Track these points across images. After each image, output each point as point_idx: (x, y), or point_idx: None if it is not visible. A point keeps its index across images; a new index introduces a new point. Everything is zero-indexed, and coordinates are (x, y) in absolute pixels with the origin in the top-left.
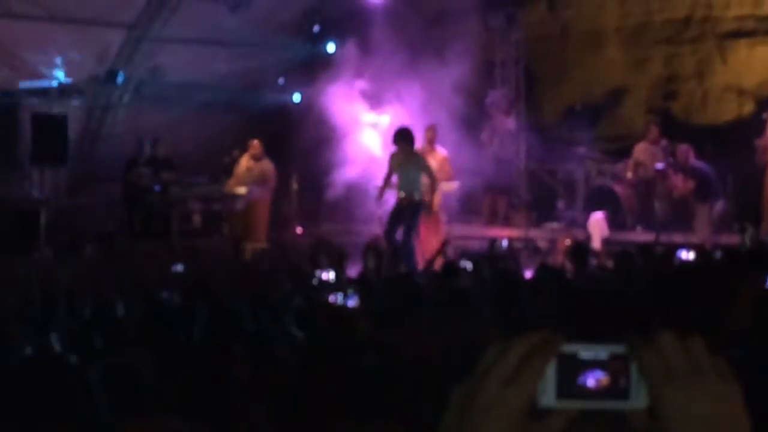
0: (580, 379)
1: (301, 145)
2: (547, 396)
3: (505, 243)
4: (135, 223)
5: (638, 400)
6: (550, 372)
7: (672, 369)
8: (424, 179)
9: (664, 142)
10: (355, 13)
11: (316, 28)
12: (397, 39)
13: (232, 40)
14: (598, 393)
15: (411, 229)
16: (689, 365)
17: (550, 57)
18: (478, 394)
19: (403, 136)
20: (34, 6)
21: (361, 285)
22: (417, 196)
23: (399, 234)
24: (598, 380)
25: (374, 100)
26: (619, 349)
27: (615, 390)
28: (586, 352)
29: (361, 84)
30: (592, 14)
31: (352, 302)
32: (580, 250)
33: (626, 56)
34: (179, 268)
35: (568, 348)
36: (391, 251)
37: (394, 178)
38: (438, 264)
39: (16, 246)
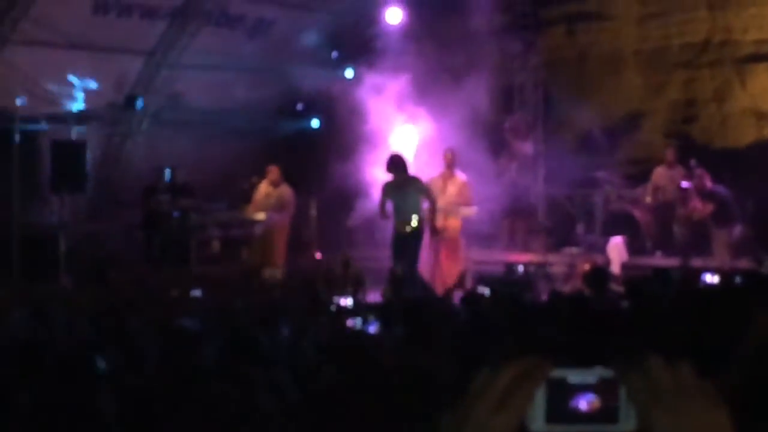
0: (570, 403)
1: (320, 171)
2: (537, 421)
3: (521, 268)
4: (154, 250)
5: (627, 423)
6: (540, 397)
7: (660, 392)
8: (424, 203)
9: (692, 162)
10: (373, 39)
11: (334, 54)
12: (415, 64)
13: (250, 67)
14: (588, 416)
15: (414, 261)
16: (677, 389)
17: (569, 81)
18: (468, 420)
19: (394, 164)
20: (54, 33)
21: (381, 311)
22: (415, 223)
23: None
24: (588, 403)
25: (392, 126)
26: (607, 373)
27: (604, 413)
28: (575, 376)
29: (379, 109)
30: (610, 38)
31: (374, 329)
32: (598, 274)
33: (645, 80)
34: (197, 293)
35: (557, 373)
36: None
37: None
38: (457, 290)
39: (36, 272)
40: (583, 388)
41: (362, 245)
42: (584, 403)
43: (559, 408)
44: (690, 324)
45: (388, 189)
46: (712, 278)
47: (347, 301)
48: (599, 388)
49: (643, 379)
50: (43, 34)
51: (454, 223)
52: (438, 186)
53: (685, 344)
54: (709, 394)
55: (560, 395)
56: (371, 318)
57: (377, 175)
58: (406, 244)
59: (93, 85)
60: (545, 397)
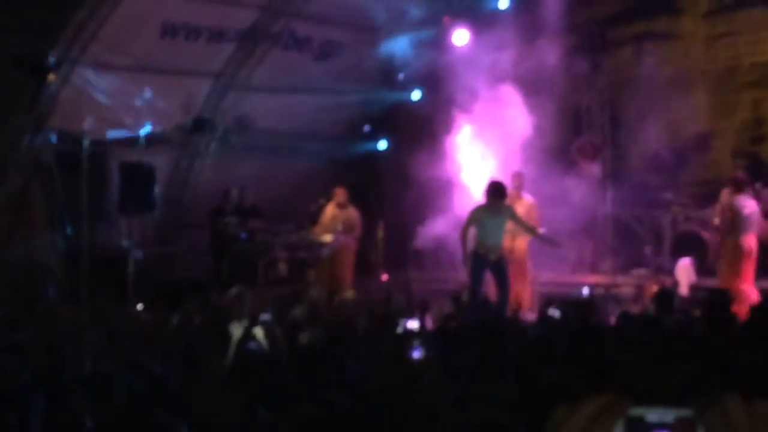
0: None
1: (387, 193)
2: None
3: (586, 291)
4: (222, 272)
5: None
6: None
7: None
8: (509, 227)
9: (758, 185)
10: (440, 62)
11: (400, 76)
12: (481, 87)
13: (318, 89)
14: None
15: (507, 291)
16: (755, 429)
17: (636, 102)
18: None
19: (496, 191)
20: (122, 56)
21: (438, 336)
22: (500, 251)
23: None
24: None
25: (461, 149)
26: (685, 412)
27: None
28: (653, 414)
29: (447, 133)
30: (678, 58)
31: (418, 354)
32: (666, 296)
33: (713, 100)
34: (267, 317)
35: (636, 411)
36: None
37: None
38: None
39: (105, 293)
40: (661, 427)
41: (429, 267)
42: None
43: None
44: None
45: (479, 214)
46: None
47: (414, 324)
48: (677, 427)
49: (722, 419)
50: (112, 57)
51: (521, 245)
52: None
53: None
54: None
55: None
56: (416, 343)
57: (444, 197)
58: (496, 274)
59: (161, 107)
60: None
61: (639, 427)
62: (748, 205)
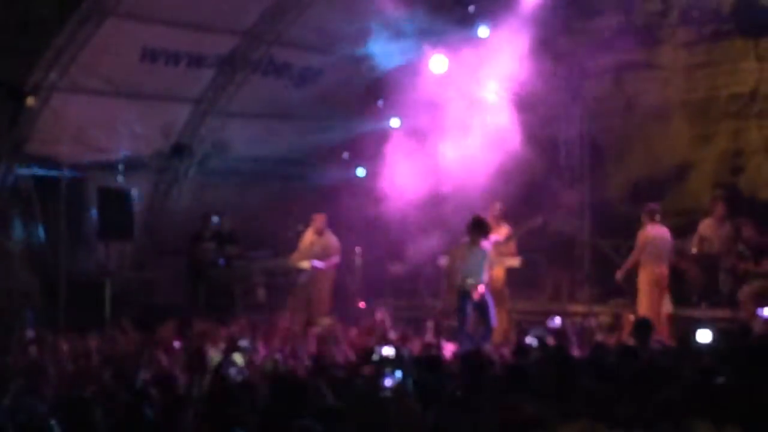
0: None
1: (365, 220)
2: None
3: (558, 321)
4: (199, 297)
5: None
6: None
7: None
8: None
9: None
10: (419, 89)
11: (380, 103)
12: (460, 114)
13: (297, 115)
14: None
15: (490, 324)
16: None
17: (615, 131)
18: None
19: (479, 226)
20: (100, 81)
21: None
22: (482, 283)
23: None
24: None
25: (440, 176)
26: None
27: None
28: None
29: (422, 159)
30: (657, 88)
31: (391, 381)
32: (645, 326)
33: (692, 130)
34: (244, 343)
35: None
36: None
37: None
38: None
39: (82, 318)
40: None
41: (406, 295)
42: None
43: None
44: (741, 379)
45: (463, 250)
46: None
47: (390, 351)
48: None
49: None
50: (91, 82)
51: (498, 273)
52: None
53: (737, 402)
54: None
55: None
56: (388, 370)
57: (423, 225)
58: (480, 306)
59: (140, 132)
60: None
61: None
62: (659, 234)
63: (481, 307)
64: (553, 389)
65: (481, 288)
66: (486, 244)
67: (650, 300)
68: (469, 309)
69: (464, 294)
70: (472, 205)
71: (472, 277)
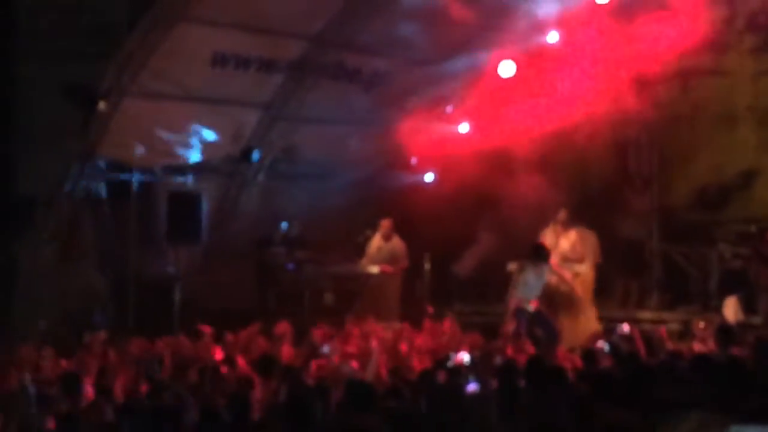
0: None
1: (433, 224)
2: None
3: (626, 328)
4: (269, 301)
5: None
6: None
7: None
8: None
9: None
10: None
11: (449, 109)
12: (530, 121)
13: (366, 120)
14: None
15: (554, 333)
16: None
17: (682, 137)
18: None
19: (539, 253)
20: (171, 85)
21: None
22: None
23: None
24: None
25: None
26: None
27: None
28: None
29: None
30: (724, 94)
31: (473, 387)
32: (727, 331)
33: (758, 136)
34: (326, 349)
35: (736, 429)
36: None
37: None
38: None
39: (151, 321)
40: None
41: (473, 300)
42: None
43: None
44: None
45: (524, 274)
46: None
47: (465, 358)
48: None
49: None
50: (161, 86)
51: (588, 271)
52: (550, 241)
53: None
54: None
55: None
56: (471, 377)
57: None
58: (541, 321)
59: (210, 136)
60: None
61: None
62: None
63: (539, 319)
64: (631, 396)
65: (534, 303)
66: (545, 268)
67: None
68: (524, 321)
69: (522, 312)
70: (540, 209)
71: (527, 298)
